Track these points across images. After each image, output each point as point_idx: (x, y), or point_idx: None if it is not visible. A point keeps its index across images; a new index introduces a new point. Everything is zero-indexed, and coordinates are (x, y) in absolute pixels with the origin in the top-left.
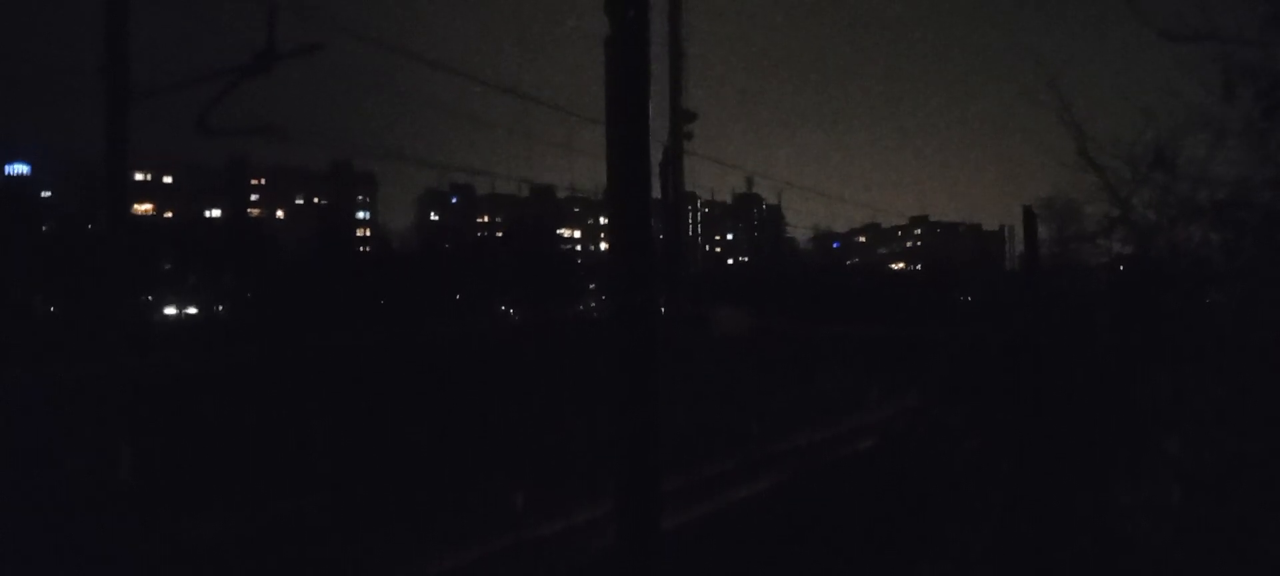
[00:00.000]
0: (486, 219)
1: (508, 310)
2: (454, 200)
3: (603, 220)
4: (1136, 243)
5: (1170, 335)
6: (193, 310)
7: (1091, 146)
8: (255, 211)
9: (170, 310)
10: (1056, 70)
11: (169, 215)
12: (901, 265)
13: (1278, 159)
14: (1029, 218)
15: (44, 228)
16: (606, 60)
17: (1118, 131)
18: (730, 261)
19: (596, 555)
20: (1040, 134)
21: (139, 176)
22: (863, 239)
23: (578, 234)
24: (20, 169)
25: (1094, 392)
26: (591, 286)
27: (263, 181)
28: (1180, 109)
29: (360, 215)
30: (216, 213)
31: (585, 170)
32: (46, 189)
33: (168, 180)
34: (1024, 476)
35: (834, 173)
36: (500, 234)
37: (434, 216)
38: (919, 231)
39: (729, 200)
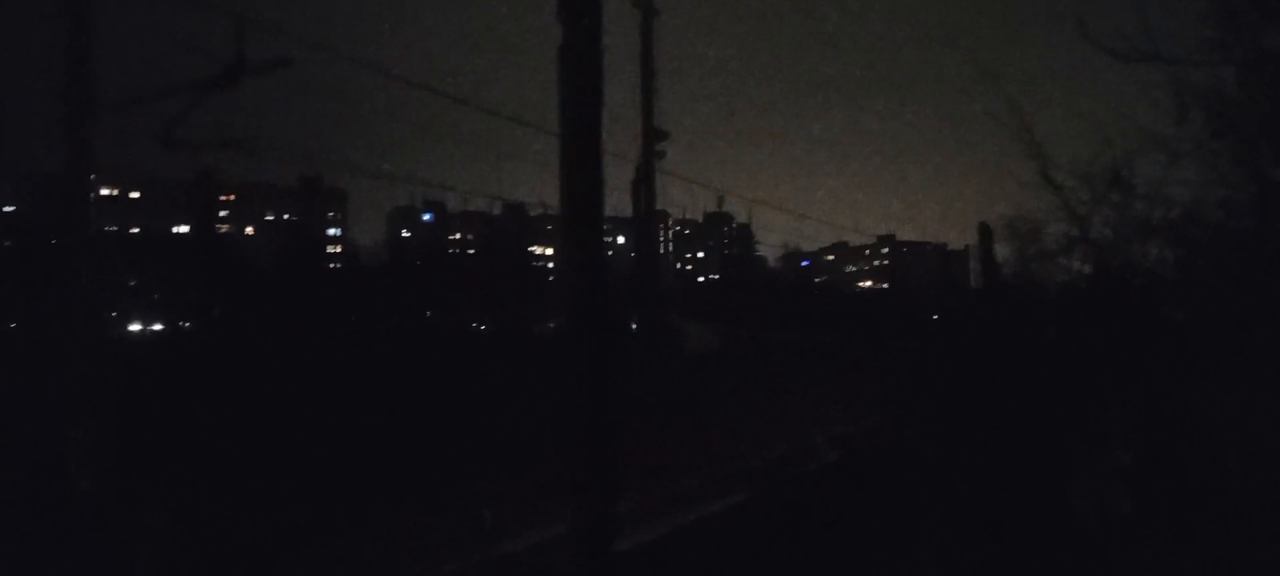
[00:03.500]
0: (459, 236)
1: (479, 326)
2: (426, 216)
3: None
4: (1095, 260)
5: (1124, 349)
6: (158, 326)
7: (1051, 167)
8: (224, 227)
9: (135, 326)
10: (1016, 92)
11: (135, 230)
12: (869, 283)
13: (1228, 179)
14: (984, 233)
15: (6, 243)
16: (559, 69)
17: (1077, 153)
18: (701, 279)
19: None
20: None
21: (106, 191)
22: (831, 257)
23: (550, 251)
24: None
25: (1048, 405)
26: None
27: (232, 197)
28: (1135, 131)
29: (331, 231)
30: (185, 228)
31: (557, 188)
32: (8, 204)
33: (135, 195)
34: (977, 486)
35: (803, 192)
36: (472, 251)
37: (405, 233)
38: (886, 250)
39: (700, 219)
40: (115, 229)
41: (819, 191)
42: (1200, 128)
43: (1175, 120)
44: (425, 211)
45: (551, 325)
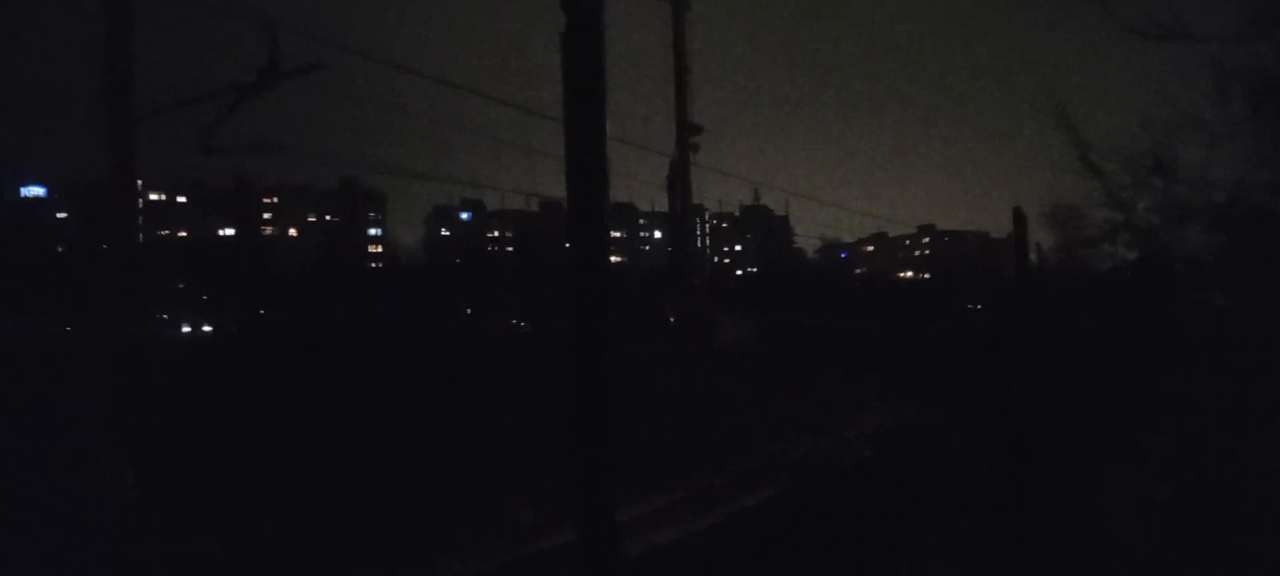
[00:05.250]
0: (496, 233)
1: (517, 323)
2: (464, 215)
3: (612, 233)
4: (1139, 246)
5: (1166, 335)
6: (207, 328)
7: (1091, 153)
8: (268, 229)
9: (186, 328)
10: (1055, 76)
11: (183, 234)
12: (909, 273)
13: (1272, 160)
14: (1019, 219)
15: (59, 249)
16: (562, 55)
17: (1117, 138)
18: (739, 273)
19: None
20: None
21: (154, 196)
22: (871, 248)
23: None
24: (36, 191)
25: (1083, 390)
26: None
27: (274, 200)
28: (1176, 114)
29: (371, 232)
30: (230, 232)
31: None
32: (62, 210)
33: (181, 200)
34: (1008, 473)
35: (841, 183)
36: (510, 248)
37: (444, 232)
38: (926, 240)
39: (737, 212)
40: (165, 233)
41: (857, 182)
42: (1242, 108)
43: (1216, 101)
44: (463, 210)
45: None
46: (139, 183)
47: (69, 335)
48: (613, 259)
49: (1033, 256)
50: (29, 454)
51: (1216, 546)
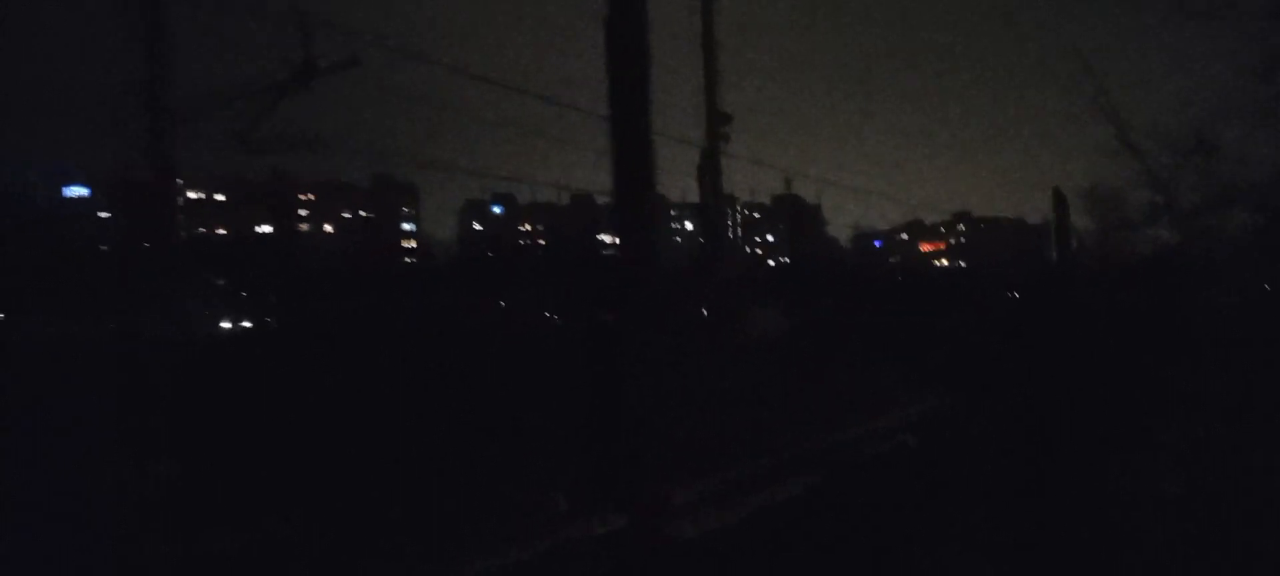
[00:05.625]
0: (528, 226)
1: (551, 315)
2: (496, 209)
3: None
4: (1181, 229)
5: (1209, 321)
6: (247, 323)
7: (1132, 133)
8: (304, 226)
9: (226, 324)
10: (1094, 56)
11: (222, 232)
12: (944, 261)
13: None
14: (1059, 200)
15: (103, 248)
16: (605, 40)
17: (1157, 118)
18: (771, 262)
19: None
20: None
21: (193, 194)
22: (905, 236)
23: (618, 239)
24: (80, 191)
25: (1100, 380)
26: None
27: (311, 197)
28: (1218, 93)
29: (405, 226)
30: (268, 228)
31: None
32: (104, 210)
33: (220, 198)
34: (1028, 460)
35: (874, 170)
36: (542, 241)
37: (477, 226)
38: (961, 227)
39: (768, 201)
40: (204, 231)
41: (891, 169)
42: None
43: (1260, 78)
44: (495, 204)
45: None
46: (179, 181)
47: (93, 332)
48: None
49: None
50: (36, 451)
51: (1222, 543)
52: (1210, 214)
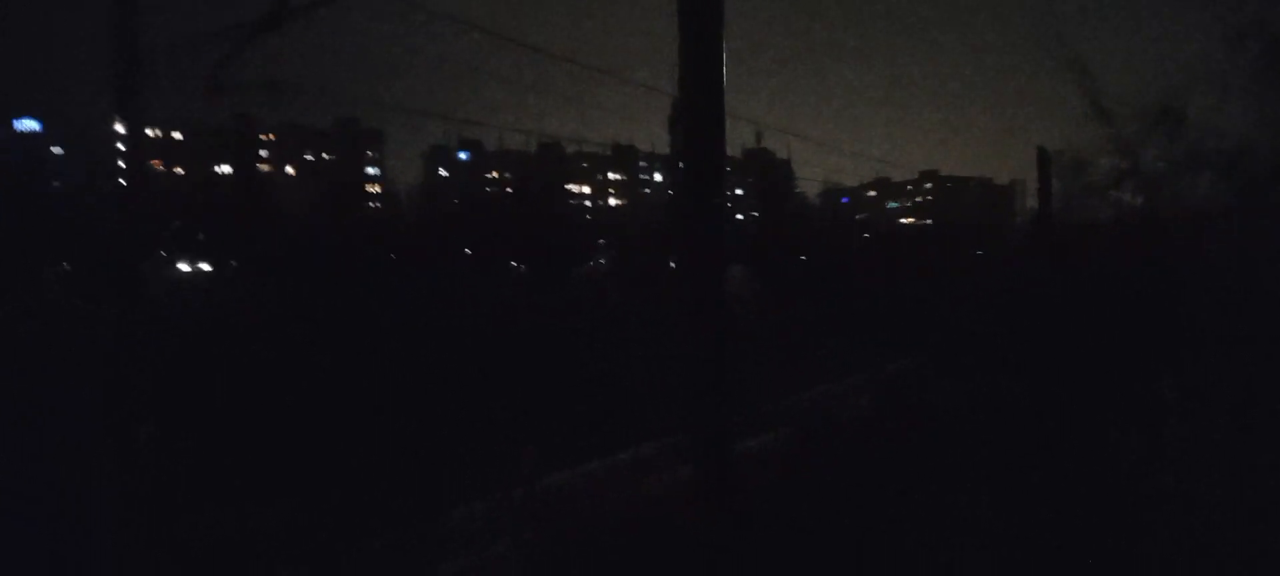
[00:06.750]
0: (496, 175)
1: (518, 266)
2: (462, 156)
3: (611, 175)
4: (1146, 193)
5: (1174, 285)
6: (206, 266)
7: (1102, 98)
8: (266, 167)
9: (185, 267)
10: (1066, 21)
11: (179, 171)
12: (911, 220)
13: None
14: (1043, 160)
15: (55, 183)
16: (678, 14)
17: (1127, 86)
18: (739, 216)
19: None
20: (1051, 87)
21: (149, 132)
22: (873, 193)
23: (587, 189)
24: (31, 126)
25: (1096, 341)
26: (601, 241)
27: (272, 138)
28: (1186, 63)
29: (369, 171)
30: (227, 169)
31: (593, 124)
32: (57, 146)
33: (177, 136)
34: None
35: (844, 126)
36: (509, 190)
37: (443, 172)
38: (929, 186)
39: (739, 155)
40: (160, 168)
41: (860, 126)
42: (1255, 59)
43: (1228, 51)
44: (462, 151)
45: (590, 264)
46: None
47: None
48: (612, 202)
49: (1033, 203)
50: (24, 433)
51: (1221, 489)
52: (1176, 180)
